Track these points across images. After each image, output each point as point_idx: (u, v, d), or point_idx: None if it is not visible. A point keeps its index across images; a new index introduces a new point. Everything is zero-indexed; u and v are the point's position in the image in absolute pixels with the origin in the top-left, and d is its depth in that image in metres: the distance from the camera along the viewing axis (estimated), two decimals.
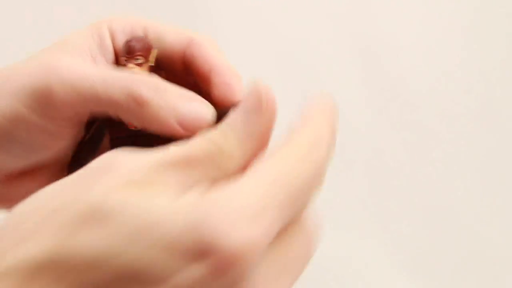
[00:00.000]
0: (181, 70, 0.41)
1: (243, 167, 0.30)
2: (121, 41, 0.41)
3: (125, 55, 0.40)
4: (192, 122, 0.36)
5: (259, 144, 0.31)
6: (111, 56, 0.41)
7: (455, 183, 1.02)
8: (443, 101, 1.02)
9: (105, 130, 0.41)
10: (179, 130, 0.36)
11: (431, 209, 1.02)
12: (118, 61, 0.41)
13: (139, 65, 0.40)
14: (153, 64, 0.41)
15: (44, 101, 0.36)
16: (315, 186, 0.31)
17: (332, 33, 1.00)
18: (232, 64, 0.40)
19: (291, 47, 1.00)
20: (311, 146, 0.30)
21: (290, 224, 0.30)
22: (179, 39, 0.41)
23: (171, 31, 0.41)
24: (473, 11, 1.02)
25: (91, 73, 0.36)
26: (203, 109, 0.36)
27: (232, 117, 0.31)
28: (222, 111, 0.37)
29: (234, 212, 0.27)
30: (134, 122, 0.37)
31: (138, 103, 0.36)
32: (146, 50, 0.40)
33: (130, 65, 0.40)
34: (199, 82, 0.40)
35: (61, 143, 0.40)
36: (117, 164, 0.29)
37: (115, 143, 0.40)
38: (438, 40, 1.02)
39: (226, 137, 0.30)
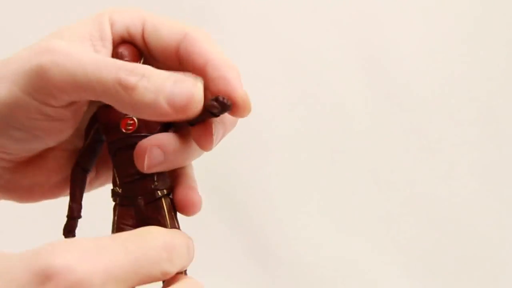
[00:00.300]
0: (177, 64, 0.41)
1: None
2: (119, 32, 0.41)
3: None
4: (181, 101, 0.36)
5: None
6: (109, 46, 0.41)
7: (459, 188, 1.02)
8: (447, 108, 1.02)
9: (102, 136, 0.42)
10: (168, 110, 0.36)
11: (436, 213, 1.02)
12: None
13: None
14: None
15: (39, 84, 0.36)
16: (158, 262, 0.35)
17: (337, 41, 1.01)
18: (227, 56, 0.39)
19: (296, 54, 1.01)
20: (156, 234, 0.36)
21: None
22: (174, 33, 0.40)
23: (166, 24, 0.41)
24: (476, 18, 1.02)
25: (84, 57, 0.36)
26: (191, 87, 0.36)
27: None
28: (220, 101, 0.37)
29: (75, 247, 0.32)
30: (126, 109, 0.37)
31: (124, 87, 0.36)
32: (134, 57, 0.41)
33: None
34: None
35: (62, 129, 0.40)
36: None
37: (112, 146, 0.41)
38: (442, 47, 1.02)
39: None
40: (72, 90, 0.36)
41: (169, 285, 0.36)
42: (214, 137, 0.39)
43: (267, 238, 1.01)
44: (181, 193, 0.41)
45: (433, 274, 1.02)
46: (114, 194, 0.41)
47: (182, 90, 0.36)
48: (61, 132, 0.40)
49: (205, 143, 0.39)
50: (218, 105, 0.37)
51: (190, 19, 0.95)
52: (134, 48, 0.41)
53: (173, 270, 0.35)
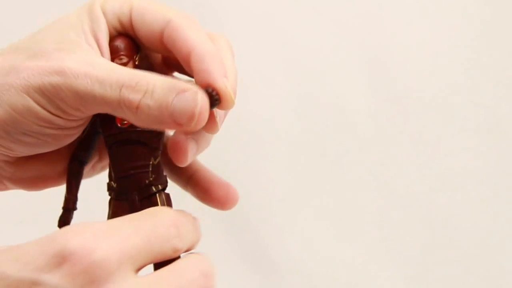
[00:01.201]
0: (163, 51, 0.41)
1: None
2: (110, 21, 0.41)
3: (111, 54, 0.40)
4: (185, 115, 0.36)
5: None
6: (106, 35, 0.40)
7: (460, 193, 1.02)
8: (450, 110, 1.02)
9: (98, 129, 0.42)
10: (175, 126, 0.37)
11: (436, 218, 1.02)
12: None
13: (124, 64, 0.40)
14: (137, 63, 0.41)
15: (52, 101, 0.37)
16: (167, 239, 0.36)
17: (339, 42, 1.01)
18: (210, 45, 0.39)
19: (298, 54, 1.01)
20: (163, 213, 0.37)
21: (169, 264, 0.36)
22: (157, 19, 0.40)
23: (151, 9, 0.41)
24: (480, 21, 1.02)
25: (92, 76, 0.37)
26: (193, 100, 0.37)
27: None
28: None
29: (90, 230, 0.33)
30: (136, 123, 0.38)
31: (128, 107, 0.36)
32: (131, 50, 0.41)
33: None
34: (183, 65, 0.40)
35: (71, 135, 0.40)
36: None
37: (108, 140, 0.41)
38: (445, 50, 1.02)
39: None
40: (82, 108, 0.37)
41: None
42: (218, 119, 0.39)
43: (264, 242, 1.00)
44: (221, 190, 0.44)
45: (431, 279, 1.01)
46: (109, 188, 0.41)
47: (185, 105, 0.36)
48: (70, 137, 0.41)
49: (211, 126, 0.39)
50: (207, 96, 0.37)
51: None
52: (130, 41, 0.41)
53: (183, 246, 0.36)
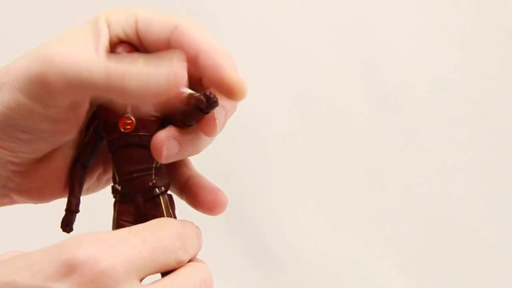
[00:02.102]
0: None
1: None
2: (115, 32, 0.41)
3: None
4: (165, 80, 0.36)
5: None
6: (106, 45, 0.41)
7: (453, 187, 1.03)
8: (441, 108, 1.03)
9: (101, 133, 0.42)
10: (157, 91, 0.36)
11: (431, 212, 1.03)
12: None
13: None
14: None
15: (41, 90, 0.37)
16: (172, 251, 0.37)
17: (333, 42, 1.01)
18: (217, 44, 0.39)
19: (292, 55, 1.01)
20: (168, 224, 0.38)
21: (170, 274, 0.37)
22: (164, 26, 0.41)
23: (157, 18, 0.41)
24: (470, 19, 1.03)
25: (78, 60, 0.37)
26: (169, 65, 0.36)
27: None
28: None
29: (97, 240, 0.34)
30: (118, 99, 0.38)
31: (113, 78, 0.36)
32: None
33: None
34: (189, 68, 0.40)
35: (66, 130, 0.41)
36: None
37: (111, 144, 0.42)
38: (436, 48, 1.03)
39: None
40: (70, 91, 0.37)
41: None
42: (217, 122, 0.40)
43: (264, 237, 1.01)
44: (210, 195, 0.44)
45: (429, 272, 1.02)
46: (114, 191, 0.42)
47: (166, 72, 0.36)
48: (65, 132, 0.41)
49: (210, 129, 0.40)
50: (204, 98, 0.38)
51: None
52: (132, 47, 0.42)
53: (187, 258, 0.37)
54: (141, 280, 0.35)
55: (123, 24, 0.41)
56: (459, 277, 1.02)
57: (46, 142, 0.41)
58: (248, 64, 0.98)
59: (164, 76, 0.36)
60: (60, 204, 0.44)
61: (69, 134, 0.41)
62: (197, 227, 0.40)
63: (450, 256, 1.02)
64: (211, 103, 0.38)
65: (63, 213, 0.42)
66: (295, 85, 1.01)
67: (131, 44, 0.42)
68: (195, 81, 0.42)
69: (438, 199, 1.03)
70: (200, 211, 0.44)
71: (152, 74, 0.36)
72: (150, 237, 0.36)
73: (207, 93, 0.38)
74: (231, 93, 0.39)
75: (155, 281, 0.36)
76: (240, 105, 0.43)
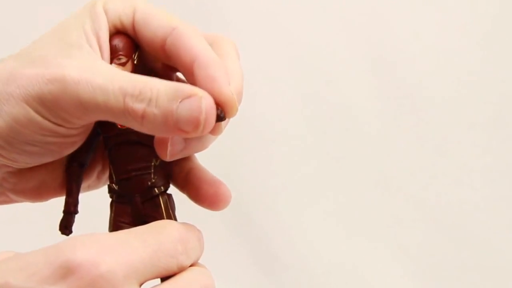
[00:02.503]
0: (164, 57, 0.40)
1: None
2: (112, 20, 0.40)
3: (109, 54, 0.40)
4: (191, 123, 0.36)
5: None
6: (106, 35, 0.40)
7: (469, 193, 1.02)
8: (458, 110, 1.01)
9: (98, 129, 0.41)
10: (181, 133, 0.36)
11: (445, 218, 1.02)
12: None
13: (123, 64, 0.40)
14: (136, 62, 0.40)
15: (53, 110, 0.37)
16: (173, 255, 0.36)
17: (346, 41, 1.00)
18: (214, 54, 0.39)
19: (304, 53, 1.00)
20: (170, 227, 0.37)
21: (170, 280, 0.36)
22: (162, 26, 0.40)
23: (156, 16, 0.40)
24: (488, 19, 1.01)
25: (94, 83, 0.36)
26: (198, 107, 0.36)
27: None
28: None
29: (96, 242, 0.33)
30: (141, 131, 0.37)
31: (133, 117, 0.36)
32: (129, 49, 0.40)
33: (113, 65, 0.39)
34: (182, 73, 0.40)
35: (75, 142, 0.40)
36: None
37: (108, 141, 0.41)
38: (453, 48, 1.01)
39: None
40: (85, 116, 0.37)
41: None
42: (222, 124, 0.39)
43: (270, 242, 1.00)
44: (211, 188, 0.42)
45: (440, 280, 1.01)
46: (110, 190, 0.41)
47: (190, 113, 0.36)
48: (74, 144, 0.40)
49: (215, 128, 0.38)
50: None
51: (195, 16, 0.94)
52: (129, 39, 0.40)
53: (188, 262, 0.37)
54: (140, 285, 0.34)
55: (120, 13, 0.40)
56: (472, 285, 1.01)
57: (53, 154, 0.40)
58: (257, 62, 0.97)
59: (192, 119, 0.36)
60: (57, 202, 0.43)
61: (77, 145, 0.41)
62: (199, 230, 0.39)
63: (463, 264, 1.01)
64: (219, 119, 0.37)
65: (60, 213, 0.42)
66: (305, 84, 1.00)
67: (127, 35, 0.41)
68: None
69: (453, 205, 1.01)
70: (203, 206, 0.43)
71: (178, 114, 0.36)
72: (151, 240, 0.35)
73: (218, 112, 0.36)
74: (222, 109, 0.38)
75: (155, 286, 0.35)
76: (248, 104, 0.42)
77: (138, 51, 0.41)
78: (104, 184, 0.45)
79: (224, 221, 0.98)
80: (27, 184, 0.42)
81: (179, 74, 0.45)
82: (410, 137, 1.01)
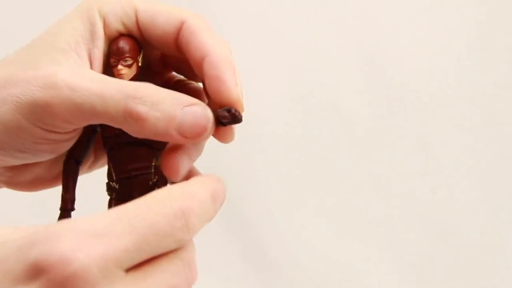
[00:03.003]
0: (174, 51, 0.40)
1: None
2: (113, 25, 0.40)
3: (114, 56, 0.40)
4: (191, 129, 0.36)
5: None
6: (101, 43, 0.40)
7: (458, 193, 1.02)
8: (447, 111, 1.02)
9: (96, 127, 0.41)
10: (180, 139, 0.36)
11: (434, 217, 1.02)
12: (108, 61, 0.40)
13: (129, 66, 0.40)
14: (140, 64, 0.40)
15: (44, 117, 0.36)
16: (170, 234, 0.31)
17: (336, 41, 1.00)
18: (224, 51, 0.39)
19: (294, 54, 1.00)
20: (166, 200, 0.32)
21: (154, 258, 0.31)
22: (171, 20, 0.40)
23: (162, 11, 0.40)
24: (478, 20, 1.02)
25: (89, 87, 0.36)
26: (200, 115, 0.36)
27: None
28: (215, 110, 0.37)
29: (72, 233, 0.29)
30: (135, 135, 0.37)
31: (134, 119, 0.36)
32: (135, 51, 0.40)
33: (120, 67, 0.40)
34: (193, 68, 0.40)
35: (65, 145, 0.40)
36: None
37: (107, 141, 0.41)
38: (442, 49, 1.01)
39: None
40: (79, 120, 0.36)
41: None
42: (234, 128, 0.39)
43: (262, 241, 1.00)
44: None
45: (430, 278, 1.01)
46: (109, 188, 0.41)
47: (192, 118, 0.36)
48: (65, 147, 0.40)
49: (227, 137, 0.39)
50: (230, 116, 0.37)
51: None
52: (133, 41, 0.41)
53: (190, 236, 0.32)
54: (131, 270, 0.31)
55: (121, 16, 0.40)
56: (462, 285, 1.01)
57: (45, 156, 0.40)
58: (249, 62, 0.97)
59: (194, 126, 0.36)
60: (54, 199, 0.43)
61: (69, 146, 0.40)
62: (213, 182, 0.34)
63: (453, 263, 1.01)
64: (236, 120, 0.37)
65: (57, 209, 0.42)
66: (296, 85, 1.00)
67: (131, 36, 0.41)
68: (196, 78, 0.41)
69: (442, 205, 1.02)
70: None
71: (181, 120, 0.36)
72: (140, 221, 0.30)
73: (232, 111, 0.37)
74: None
75: (138, 270, 0.31)
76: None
77: (142, 51, 0.41)
78: (96, 169, 0.45)
79: (216, 219, 0.98)
80: (22, 178, 0.42)
81: (175, 73, 0.45)
82: (400, 137, 1.01)
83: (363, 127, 1.01)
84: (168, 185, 0.42)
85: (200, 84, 0.43)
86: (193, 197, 0.32)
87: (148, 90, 0.36)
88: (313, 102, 1.00)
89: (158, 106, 0.36)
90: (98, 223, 0.30)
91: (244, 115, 0.39)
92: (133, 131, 0.36)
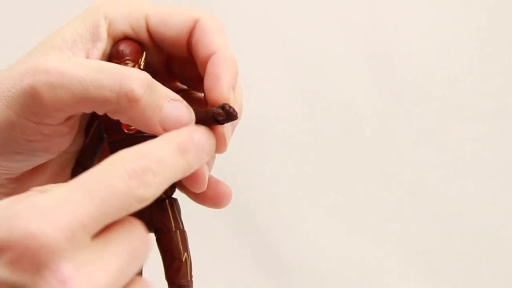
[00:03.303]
0: (185, 52, 0.40)
1: None
2: (120, 28, 0.40)
3: (114, 59, 0.40)
4: (172, 124, 0.36)
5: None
6: (103, 45, 0.39)
7: (468, 187, 1.01)
8: (456, 105, 1.01)
9: (103, 134, 0.41)
10: (160, 130, 0.36)
11: (446, 213, 1.01)
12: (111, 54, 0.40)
13: None
14: (142, 68, 0.40)
15: (34, 106, 0.36)
16: (129, 194, 0.31)
17: (343, 37, 1.00)
18: (231, 52, 0.39)
19: (301, 51, 1.00)
20: (118, 162, 0.32)
21: (112, 225, 0.32)
22: (185, 20, 0.40)
23: (174, 13, 0.40)
24: (485, 13, 1.01)
25: (80, 71, 0.35)
26: (183, 112, 0.36)
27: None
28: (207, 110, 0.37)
29: (33, 208, 0.29)
30: (121, 118, 0.36)
31: (129, 99, 0.35)
32: (136, 53, 0.40)
33: None
34: (199, 68, 0.40)
35: (60, 143, 0.39)
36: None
37: (113, 146, 0.40)
38: (450, 43, 1.01)
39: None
40: (70, 106, 0.36)
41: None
42: (227, 140, 0.39)
43: (274, 241, 1.00)
44: (211, 187, 0.41)
45: (443, 275, 1.01)
46: None
47: (175, 114, 0.36)
48: (60, 146, 0.40)
49: (220, 147, 0.38)
50: (224, 113, 0.36)
51: None
52: (136, 44, 0.40)
53: (152, 191, 0.32)
54: (97, 235, 0.31)
55: (129, 20, 0.40)
56: (476, 281, 1.00)
57: (40, 158, 0.40)
58: (253, 60, 0.97)
59: (175, 123, 0.36)
60: None
61: (63, 146, 0.40)
62: (185, 132, 0.35)
63: (467, 259, 1.01)
64: (230, 117, 0.36)
65: None
66: (303, 82, 1.00)
67: (132, 40, 0.40)
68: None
69: (454, 200, 1.01)
70: (204, 205, 0.42)
71: (166, 113, 0.36)
72: (96, 186, 0.30)
73: (226, 107, 0.36)
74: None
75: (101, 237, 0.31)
76: (247, 104, 0.42)
77: (144, 54, 0.41)
78: None
79: (224, 221, 0.97)
80: (25, 189, 0.40)
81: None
82: (409, 133, 1.01)
83: (372, 123, 1.00)
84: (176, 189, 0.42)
85: (203, 95, 0.43)
86: (147, 155, 0.32)
87: (143, 74, 0.36)
88: (321, 99, 1.00)
89: (153, 93, 0.36)
90: (57, 195, 0.30)
91: (250, 115, 0.38)
92: (121, 114, 0.36)
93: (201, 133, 0.36)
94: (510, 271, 1.01)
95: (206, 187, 0.39)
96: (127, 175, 0.31)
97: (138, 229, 0.32)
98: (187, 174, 0.34)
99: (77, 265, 0.29)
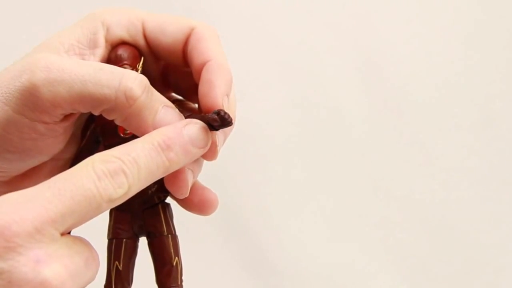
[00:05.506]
0: (181, 60, 0.41)
1: None
2: (117, 34, 0.40)
3: (113, 63, 0.40)
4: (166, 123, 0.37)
5: None
6: (101, 51, 0.40)
7: (457, 195, 1.02)
8: (444, 112, 1.01)
9: (99, 137, 0.41)
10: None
11: (433, 219, 1.01)
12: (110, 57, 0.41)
13: None
14: (140, 73, 0.40)
15: (32, 102, 0.36)
16: (98, 194, 0.33)
17: (333, 44, 1.00)
18: (225, 60, 0.39)
19: (291, 57, 1.00)
20: (89, 165, 0.33)
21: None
22: (180, 28, 0.40)
23: (170, 21, 0.41)
24: (474, 21, 1.02)
25: (79, 69, 0.36)
26: (176, 119, 0.37)
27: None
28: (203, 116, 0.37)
29: (5, 202, 0.31)
30: (116, 118, 0.37)
31: (127, 97, 0.35)
32: (134, 58, 0.40)
33: None
34: (194, 76, 0.40)
35: (54, 145, 0.39)
36: None
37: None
38: (439, 50, 1.01)
39: None
40: (68, 103, 0.36)
41: None
42: (218, 148, 0.39)
43: (262, 246, 1.00)
44: (197, 194, 0.41)
45: (430, 281, 1.01)
46: None
47: (168, 119, 0.37)
48: (53, 148, 0.40)
49: (211, 155, 0.39)
50: (219, 119, 0.36)
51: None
52: (133, 49, 0.41)
53: (123, 191, 0.33)
54: (65, 233, 0.33)
55: (127, 26, 0.40)
56: (463, 286, 1.01)
57: (33, 159, 0.40)
58: (245, 65, 0.97)
59: (165, 122, 0.36)
60: None
61: (56, 149, 0.40)
62: (168, 130, 0.35)
63: (453, 265, 1.01)
64: (225, 123, 0.36)
65: None
66: (292, 89, 1.00)
67: (130, 45, 0.41)
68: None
69: (441, 207, 1.01)
70: (191, 212, 0.42)
71: (159, 118, 0.36)
72: (67, 185, 0.32)
73: (222, 113, 0.36)
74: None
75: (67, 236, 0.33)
76: (237, 110, 0.42)
77: (142, 59, 0.41)
78: None
79: (214, 226, 0.97)
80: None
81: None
82: (398, 139, 1.01)
83: (361, 129, 1.01)
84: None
85: (197, 105, 0.43)
86: (120, 156, 0.33)
87: (141, 76, 0.36)
88: (311, 105, 1.00)
89: (150, 95, 0.36)
90: (29, 192, 0.32)
91: (241, 119, 0.39)
92: (117, 113, 0.36)
93: (193, 128, 0.36)
94: (497, 277, 1.02)
95: (188, 193, 0.39)
96: (96, 176, 0.32)
97: (91, 247, 0.34)
98: (169, 172, 0.35)
99: (49, 253, 0.31)
